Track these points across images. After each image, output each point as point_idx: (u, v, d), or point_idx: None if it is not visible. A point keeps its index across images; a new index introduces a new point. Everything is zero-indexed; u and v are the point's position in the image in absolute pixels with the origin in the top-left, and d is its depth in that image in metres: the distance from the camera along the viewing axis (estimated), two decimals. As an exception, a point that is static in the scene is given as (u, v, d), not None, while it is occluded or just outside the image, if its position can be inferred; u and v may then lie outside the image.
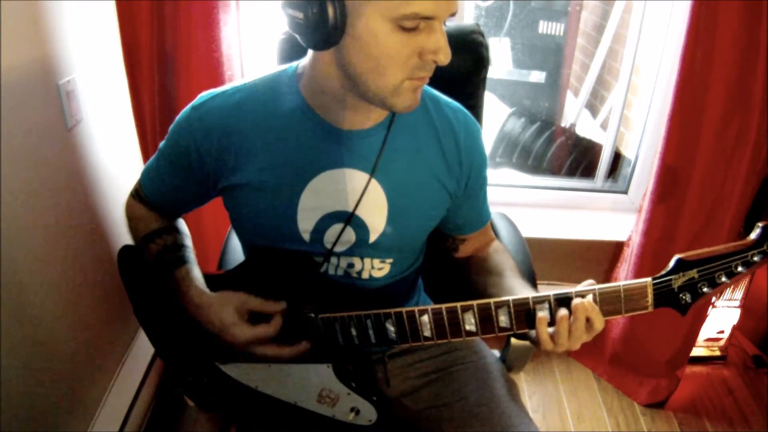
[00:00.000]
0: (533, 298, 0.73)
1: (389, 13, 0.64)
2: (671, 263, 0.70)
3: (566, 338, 0.71)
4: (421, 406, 0.95)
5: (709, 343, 1.93)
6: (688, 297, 0.70)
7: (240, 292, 0.83)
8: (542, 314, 0.72)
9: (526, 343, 1.01)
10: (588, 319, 0.70)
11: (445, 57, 0.69)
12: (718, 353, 1.95)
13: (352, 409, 0.85)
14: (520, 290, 0.83)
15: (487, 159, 0.94)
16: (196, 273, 0.87)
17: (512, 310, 0.73)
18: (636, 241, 1.64)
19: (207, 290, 0.85)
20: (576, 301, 0.70)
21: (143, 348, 1.60)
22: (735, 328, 1.89)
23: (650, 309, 0.71)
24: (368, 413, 0.85)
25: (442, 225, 0.97)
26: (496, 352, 1.06)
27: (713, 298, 1.78)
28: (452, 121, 0.87)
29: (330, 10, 0.65)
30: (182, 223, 0.98)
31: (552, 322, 0.73)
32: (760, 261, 0.68)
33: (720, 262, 0.69)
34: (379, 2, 0.64)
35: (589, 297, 0.71)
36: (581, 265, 1.95)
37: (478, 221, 0.98)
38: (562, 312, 0.71)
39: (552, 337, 0.72)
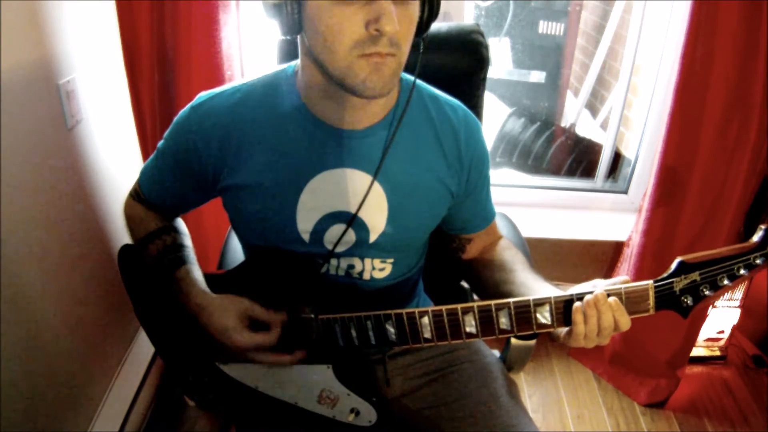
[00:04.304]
0: (534, 300, 0.73)
1: None
2: (673, 266, 0.70)
3: (595, 335, 0.71)
4: (421, 405, 0.95)
5: (709, 343, 1.93)
6: (689, 300, 0.70)
7: (243, 297, 0.82)
8: (578, 306, 0.70)
9: (527, 343, 1.01)
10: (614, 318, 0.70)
11: (388, 24, 0.65)
12: (718, 353, 1.95)
13: (352, 410, 0.85)
14: (534, 284, 0.83)
15: (489, 156, 0.94)
16: (197, 273, 0.87)
17: (513, 312, 0.73)
18: (636, 241, 1.64)
19: (209, 291, 0.85)
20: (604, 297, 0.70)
21: (143, 348, 1.60)
22: (735, 328, 1.89)
23: (651, 312, 0.71)
24: (368, 414, 0.85)
25: (446, 225, 0.96)
26: (497, 352, 1.06)
27: (714, 299, 1.77)
28: (451, 118, 0.87)
29: None
30: (181, 223, 0.98)
31: (568, 322, 0.72)
32: (762, 264, 0.67)
33: (722, 264, 0.68)
34: None
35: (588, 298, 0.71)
36: (581, 265, 1.95)
37: (482, 219, 0.98)
38: (589, 310, 0.70)
39: (572, 333, 0.72)
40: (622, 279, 0.72)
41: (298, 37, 0.75)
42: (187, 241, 0.94)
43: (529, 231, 1.32)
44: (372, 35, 0.66)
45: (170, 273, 0.87)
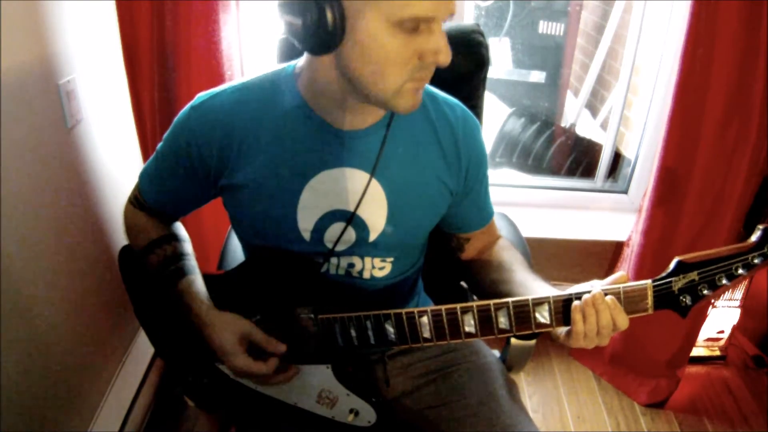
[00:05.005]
0: (533, 299, 0.73)
1: (389, 16, 0.64)
2: (671, 265, 0.70)
3: (595, 334, 0.71)
4: (420, 405, 0.95)
5: (709, 343, 1.93)
6: (688, 299, 0.70)
7: (246, 320, 0.83)
8: (577, 305, 0.71)
9: (527, 343, 1.01)
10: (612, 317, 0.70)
11: (445, 57, 0.69)
12: (718, 353, 1.95)
13: (351, 411, 0.85)
14: (532, 283, 0.83)
15: (487, 155, 0.94)
16: (199, 285, 0.87)
17: (512, 312, 0.73)
18: (636, 241, 1.64)
19: (211, 306, 0.84)
20: (603, 296, 0.70)
21: (143, 348, 1.61)
22: (735, 328, 1.89)
23: (650, 311, 0.71)
24: (367, 414, 0.85)
25: (445, 224, 0.96)
26: (497, 352, 1.07)
27: (713, 299, 1.78)
28: (450, 116, 0.87)
29: (329, 15, 0.64)
30: (181, 229, 0.97)
31: (567, 322, 0.72)
32: (760, 263, 0.67)
33: (720, 264, 0.68)
34: (378, 5, 0.64)
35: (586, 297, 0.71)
36: (581, 265, 1.95)
37: (480, 218, 0.98)
38: (587, 309, 0.70)
39: (571, 333, 0.72)
40: (619, 275, 0.73)
41: None
42: (188, 248, 0.94)
43: (529, 231, 1.32)
44: (424, 63, 0.69)
45: (172, 285, 0.87)
